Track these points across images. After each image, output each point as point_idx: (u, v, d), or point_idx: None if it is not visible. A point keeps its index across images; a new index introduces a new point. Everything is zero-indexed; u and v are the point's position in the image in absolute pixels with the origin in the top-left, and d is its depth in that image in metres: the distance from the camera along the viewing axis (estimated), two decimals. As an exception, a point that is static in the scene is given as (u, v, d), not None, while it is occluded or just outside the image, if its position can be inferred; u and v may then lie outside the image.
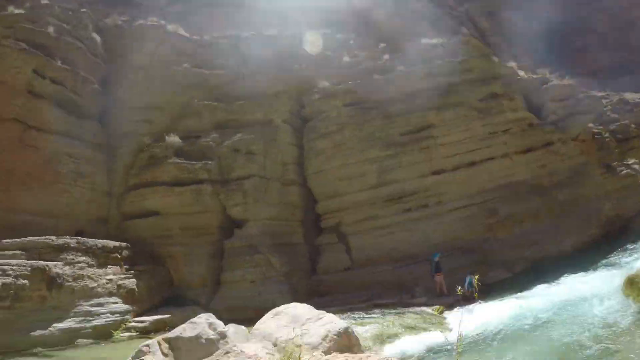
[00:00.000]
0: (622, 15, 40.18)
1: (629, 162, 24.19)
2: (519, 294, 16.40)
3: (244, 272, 19.27)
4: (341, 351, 7.52)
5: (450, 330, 13.50)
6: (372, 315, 15.51)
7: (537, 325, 12.10)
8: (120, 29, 24.31)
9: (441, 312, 16.06)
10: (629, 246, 19.71)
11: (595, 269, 17.47)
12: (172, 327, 11.57)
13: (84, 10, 23.54)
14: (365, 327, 13.30)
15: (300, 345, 7.28)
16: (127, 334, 15.34)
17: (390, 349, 11.80)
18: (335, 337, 7.64)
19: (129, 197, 21.28)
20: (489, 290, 17.73)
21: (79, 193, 19.94)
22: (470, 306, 15.21)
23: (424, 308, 16.40)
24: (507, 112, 23.20)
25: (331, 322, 8.05)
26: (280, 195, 22.14)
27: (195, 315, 13.48)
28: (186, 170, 20.97)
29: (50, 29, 20.25)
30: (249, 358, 7.00)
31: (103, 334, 14.94)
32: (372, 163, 21.95)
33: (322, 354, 7.18)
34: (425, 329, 13.30)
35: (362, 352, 8.32)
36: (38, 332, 13.45)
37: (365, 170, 22.00)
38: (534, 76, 26.66)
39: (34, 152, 18.55)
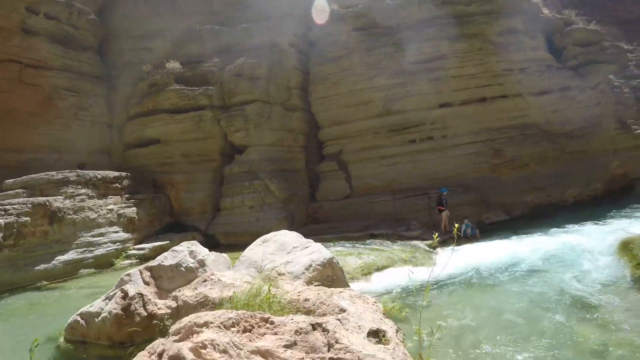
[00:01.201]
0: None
1: (646, 122, 23.69)
2: (513, 238, 16.72)
3: (242, 197, 20.01)
4: (323, 281, 8.02)
5: (439, 265, 13.77)
6: (366, 245, 15.89)
7: (519, 271, 12.37)
8: (116, -44, 23.82)
9: (434, 248, 16.30)
10: (630, 207, 19.82)
11: (593, 224, 17.59)
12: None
13: (74, -60, 23.02)
14: (356, 257, 13.75)
15: (283, 274, 7.82)
16: (127, 261, 16.47)
17: (376, 281, 12.26)
18: (318, 267, 8.09)
19: (129, 126, 22.05)
20: (484, 231, 18.27)
21: (80, 127, 20.93)
22: (464, 245, 15.89)
23: (417, 242, 16.84)
24: (526, 50, 22.80)
25: (317, 252, 8.51)
26: (283, 120, 22.48)
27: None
28: (186, 96, 21.37)
29: (40, -37, 20.21)
30: (226, 286, 7.38)
31: (104, 263, 16.10)
32: (379, 91, 22.03)
33: (304, 283, 7.62)
34: (414, 264, 13.64)
35: (347, 283, 8.82)
36: (42, 267, 14.36)
37: (372, 98, 22.13)
38: (559, 16, 25.53)
39: (33, 90, 19.30)
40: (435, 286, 11.07)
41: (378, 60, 22.21)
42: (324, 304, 5.91)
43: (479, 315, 8.92)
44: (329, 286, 7.55)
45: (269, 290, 6.10)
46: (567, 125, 22.41)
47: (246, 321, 4.64)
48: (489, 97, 22.10)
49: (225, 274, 7.86)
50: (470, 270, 12.67)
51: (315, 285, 7.45)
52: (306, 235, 18.35)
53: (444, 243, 16.58)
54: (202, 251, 8.58)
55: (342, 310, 5.59)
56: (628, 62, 24.42)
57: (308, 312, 5.78)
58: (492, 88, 22.09)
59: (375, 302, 6.35)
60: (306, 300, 6.14)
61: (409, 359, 4.74)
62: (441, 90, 21.81)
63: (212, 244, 17.92)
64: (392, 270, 12.94)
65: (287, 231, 9.58)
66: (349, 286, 8.45)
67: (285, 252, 8.71)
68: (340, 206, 21.76)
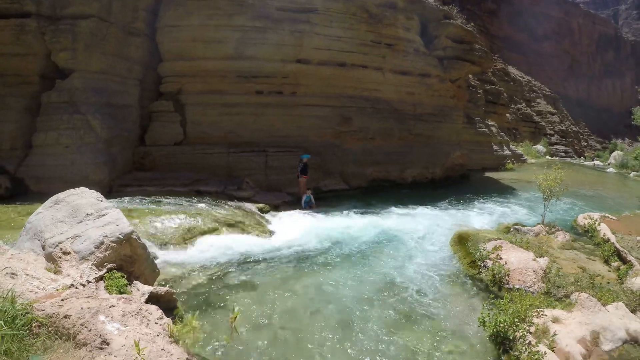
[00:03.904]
0: None
1: (489, 123, 26.79)
2: (349, 212, 16.59)
3: (58, 134, 17.02)
4: (120, 262, 6.83)
5: (269, 234, 13.35)
6: (191, 203, 14.61)
7: (350, 253, 11.96)
8: None
9: (266, 212, 15.74)
10: (465, 195, 21.10)
11: (431, 209, 18.09)
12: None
13: None
14: (177, 218, 12.46)
15: (69, 254, 6.45)
16: None
17: (196, 249, 11.29)
18: (113, 244, 6.78)
19: None
20: (320, 198, 18.18)
21: None
22: (296, 213, 15.87)
23: (248, 204, 15.99)
24: (399, 28, 23.18)
25: (112, 223, 7.09)
26: (120, 45, 19.71)
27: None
28: (11, -3, 17.89)
29: None
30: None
31: None
32: (235, 31, 20.33)
33: (93, 267, 6.39)
34: (242, 230, 12.96)
35: (152, 264, 7.64)
36: None
37: (226, 37, 20.35)
38: (441, 7, 26.64)
39: None
40: (259, 261, 10.75)
41: (244, -3, 20.73)
42: (86, 327, 4.56)
43: (296, 309, 8.39)
44: (128, 268, 6.87)
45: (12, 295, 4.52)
46: (419, 108, 23.18)
47: None
48: (349, 64, 21.97)
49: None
50: (300, 244, 12.25)
51: (109, 269, 6.48)
52: (128, 186, 16.27)
53: (276, 208, 16.29)
54: None
55: (105, 343, 4.38)
56: (488, 69, 26.00)
57: (67, 338, 4.51)
58: (355, 56, 22.00)
59: (161, 317, 5.22)
60: (66, 317, 4.66)
61: None
62: (302, 45, 20.96)
63: (22, 191, 15.76)
64: (215, 237, 12.13)
65: (85, 190, 7.82)
66: (155, 269, 7.58)
67: (77, 220, 7.10)
68: (170, 153, 19.70)
